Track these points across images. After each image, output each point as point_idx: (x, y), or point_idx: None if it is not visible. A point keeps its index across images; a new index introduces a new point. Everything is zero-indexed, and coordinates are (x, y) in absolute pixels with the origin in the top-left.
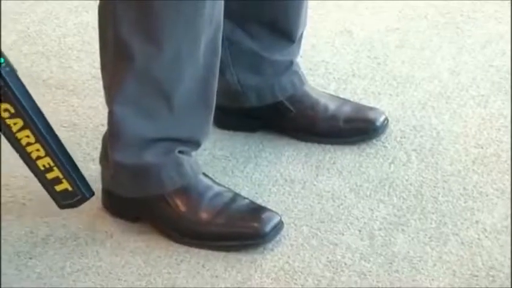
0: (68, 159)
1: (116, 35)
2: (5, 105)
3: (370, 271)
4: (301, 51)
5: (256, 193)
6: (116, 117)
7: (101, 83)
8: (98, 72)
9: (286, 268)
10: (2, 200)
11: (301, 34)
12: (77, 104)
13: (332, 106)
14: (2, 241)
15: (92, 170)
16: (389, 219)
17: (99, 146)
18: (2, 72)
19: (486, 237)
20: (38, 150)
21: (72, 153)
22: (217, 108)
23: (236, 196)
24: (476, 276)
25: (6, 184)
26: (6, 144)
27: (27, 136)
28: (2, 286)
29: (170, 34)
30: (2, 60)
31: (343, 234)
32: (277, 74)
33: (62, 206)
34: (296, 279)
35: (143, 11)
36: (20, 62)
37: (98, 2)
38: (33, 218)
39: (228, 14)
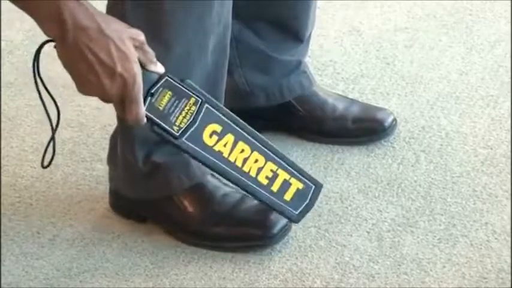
0: (282, 155)
1: None
2: (210, 128)
3: (378, 273)
4: (309, 51)
5: None
6: None
7: None
8: None
9: (294, 270)
10: (9, 201)
11: (310, 34)
12: (83, 103)
13: (340, 106)
14: (9, 242)
15: (99, 170)
16: (397, 221)
17: (107, 146)
18: (198, 88)
19: (495, 239)
20: (256, 161)
21: (79, 154)
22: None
23: (243, 197)
24: (486, 278)
25: (13, 184)
26: (9, 144)
27: (242, 151)
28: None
29: (179, 34)
30: (189, 80)
31: (351, 236)
32: (285, 74)
33: (297, 218)
34: (304, 281)
35: (152, 11)
36: (27, 62)
37: (107, 1)
38: (40, 219)
39: (237, 14)
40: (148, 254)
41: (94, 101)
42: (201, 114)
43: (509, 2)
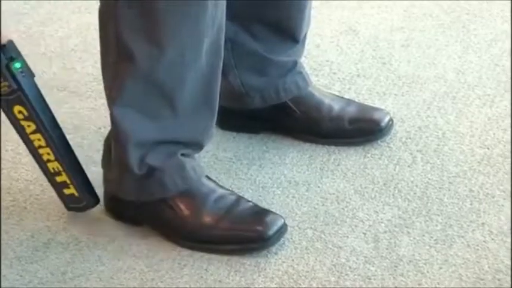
0: (76, 166)
1: (118, 37)
2: (19, 108)
3: (375, 275)
4: (305, 51)
5: (260, 195)
6: (118, 119)
7: (103, 84)
8: (100, 74)
9: (290, 272)
10: (3, 204)
11: (305, 34)
12: (78, 105)
13: (336, 107)
14: (4, 246)
15: (94, 172)
16: (394, 222)
17: (101, 149)
18: (18, 76)
19: (492, 239)
20: (48, 153)
21: None
22: (221, 109)
23: (240, 199)
24: (483, 279)
25: (7, 188)
26: (4, 147)
27: (39, 139)
28: None
29: (172, 36)
30: (19, 65)
31: (347, 237)
32: (281, 75)
33: (69, 208)
34: (300, 284)
35: (145, 12)
36: None
37: (99, 5)
38: (35, 222)
39: (231, 16)
40: (144, 257)
41: (89, 103)
42: (13, 96)
43: (505, 2)
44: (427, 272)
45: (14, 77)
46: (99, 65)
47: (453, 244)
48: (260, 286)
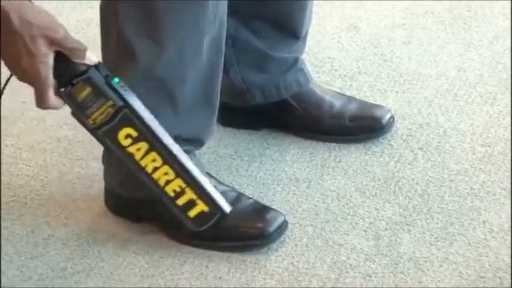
0: (196, 173)
1: (119, 35)
2: (126, 131)
3: (375, 272)
4: (306, 48)
5: (261, 192)
6: None
7: None
8: None
9: (290, 269)
10: (4, 200)
11: (307, 31)
12: None
13: (337, 104)
14: (4, 241)
15: (94, 169)
16: (395, 219)
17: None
18: (121, 91)
19: (493, 237)
20: (166, 173)
21: (74, 152)
22: (222, 106)
23: (240, 196)
24: (483, 277)
25: (7, 183)
26: (4, 143)
27: (153, 160)
28: (3, 287)
29: (173, 33)
30: (117, 79)
31: (348, 235)
32: (282, 71)
33: (195, 233)
34: (300, 281)
35: (146, 10)
36: None
37: (100, 1)
38: (35, 218)
39: (232, 12)
40: (144, 253)
41: None
42: (117, 118)
43: None
44: (428, 269)
45: (116, 91)
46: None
47: (454, 242)
48: (260, 283)
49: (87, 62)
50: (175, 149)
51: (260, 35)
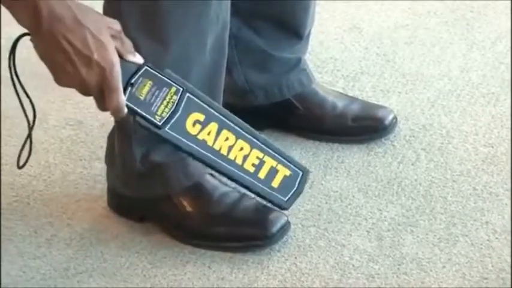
0: (268, 141)
1: None
2: (194, 116)
3: (378, 273)
4: (309, 48)
5: None
6: None
7: None
8: None
9: (293, 270)
10: (7, 200)
11: (309, 31)
12: (82, 101)
13: (340, 104)
14: (6, 241)
15: (97, 169)
16: (397, 220)
17: (105, 145)
18: (178, 78)
19: (496, 238)
20: (241, 149)
21: (77, 152)
22: (224, 106)
23: (243, 196)
24: (486, 278)
25: (10, 183)
26: (6, 143)
27: (226, 139)
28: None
29: (176, 33)
30: (167, 70)
31: (351, 235)
32: (284, 71)
33: (287, 204)
34: (303, 281)
35: (149, 10)
36: (26, 59)
37: (103, 1)
38: (38, 218)
39: (235, 12)
40: (147, 253)
41: (93, 99)
42: (183, 103)
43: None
44: (431, 270)
45: (174, 78)
46: None
47: (457, 243)
48: (263, 283)
49: (136, 59)
50: (241, 121)
51: (263, 35)
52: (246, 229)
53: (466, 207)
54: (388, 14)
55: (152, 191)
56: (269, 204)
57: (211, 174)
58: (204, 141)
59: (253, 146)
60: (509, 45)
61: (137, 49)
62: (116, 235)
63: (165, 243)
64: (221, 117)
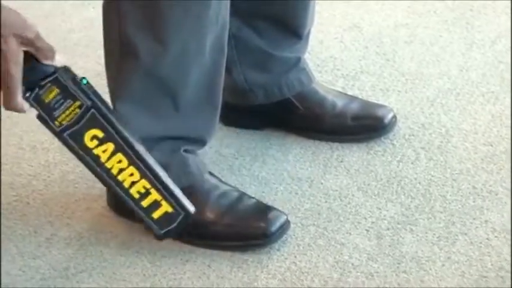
0: (160, 173)
1: (121, 33)
2: (92, 132)
3: (377, 272)
4: (308, 47)
5: (263, 192)
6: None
7: (106, 80)
8: (103, 69)
9: (292, 269)
10: (6, 200)
11: (309, 30)
12: None
13: (340, 103)
14: (6, 241)
15: None
16: (397, 219)
17: None
18: (88, 91)
19: (495, 237)
20: (131, 174)
21: None
22: (224, 105)
23: (242, 195)
24: (486, 277)
25: (10, 183)
26: (7, 142)
27: (119, 161)
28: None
29: (176, 32)
30: (85, 81)
31: (350, 234)
32: (284, 71)
33: (161, 237)
34: (302, 280)
35: (148, 9)
36: None
37: (102, 0)
38: (37, 218)
39: (235, 12)
40: (146, 253)
41: None
42: (85, 119)
43: None
44: (430, 269)
45: (84, 92)
46: (102, 60)
47: (456, 241)
48: (263, 282)
49: (56, 64)
50: (141, 150)
51: (262, 34)
52: (245, 228)
53: (466, 205)
54: (387, 13)
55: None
56: (269, 203)
57: (211, 173)
58: (98, 157)
59: (142, 176)
60: (509, 44)
61: (136, 49)
62: (116, 234)
63: (164, 243)
64: (119, 140)
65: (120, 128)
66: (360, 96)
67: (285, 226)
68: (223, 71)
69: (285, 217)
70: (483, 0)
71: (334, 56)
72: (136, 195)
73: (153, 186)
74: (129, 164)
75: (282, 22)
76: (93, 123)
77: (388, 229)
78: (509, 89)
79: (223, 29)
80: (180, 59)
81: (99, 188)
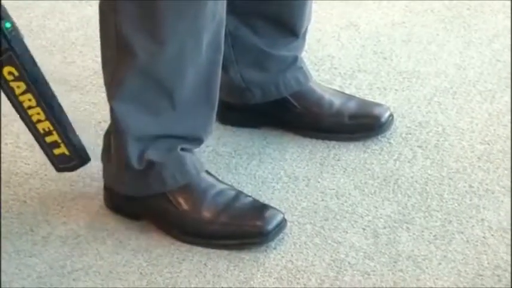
0: (67, 124)
1: (118, 32)
2: (9, 68)
3: (374, 270)
4: (306, 46)
5: (260, 190)
6: (117, 114)
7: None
8: (101, 68)
9: (289, 267)
10: (3, 198)
11: (306, 29)
12: (79, 99)
13: (337, 102)
14: (2, 239)
15: (94, 167)
16: (394, 217)
17: (101, 143)
18: (8, 35)
19: (492, 235)
20: (38, 113)
21: None
22: (221, 104)
23: (239, 194)
24: (482, 275)
25: (7, 181)
26: (3, 141)
27: (29, 100)
28: (2, 286)
29: (173, 31)
30: (9, 25)
31: (347, 233)
32: (281, 70)
33: (59, 169)
34: (299, 279)
35: (145, 8)
36: None
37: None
38: (34, 216)
39: (232, 10)
40: (143, 251)
41: (90, 97)
42: (3, 56)
43: None
44: (426, 267)
45: (4, 36)
46: (99, 59)
47: (452, 240)
48: (259, 281)
49: None
50: (49, 96)
51: (259, 33)
52: (242, 227)
53: (462, 204)
54: (385, 11)
55: (148, 190)
56: (266, 202)
57: (208, 172)
58: (13, 89)
59: (47, 118)
60: (506, 43)
61: (132, 48)
62: (112, 233)
63: (161, 241)
64: (30, 83)
65: (31, 72)
66: (357, 95)
67: (281, 225)
68: (220, 70)
69: (282, 216)
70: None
71: (331, 54)
72: (42, 131)
73: (54, 128)
74: (37, 105)
75: (279, 21)
76: (9, 62)
77: (384, 228)
78: (506, 88)
79: (220, 27)
80: (177, 58)
81: (96, 187)
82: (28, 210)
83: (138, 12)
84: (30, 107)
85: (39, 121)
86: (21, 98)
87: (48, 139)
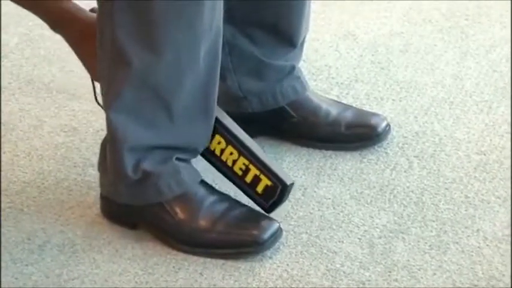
0: (257, 150)
1: (114, 42)
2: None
3: (369, 280)
4: (303, 56)
5: None
6: (113, 124)
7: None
8: None
9: (284, 276)
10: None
11: (304, 39)
12: (77, 108)
13: (334, 112)
14: None
15: (91, 175)
16: (389, 227)
17: (99, 152)
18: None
19: (487, 245)
20: (231, 153)
21: (72, 159)
22: None
23: (235, 203)
24: (476, 285)
25: (4, 189)
26: (4, 150)
27: (219, 142)
28: None
29: (169, 40)
30: None
31: (342, 242)
32: (279, 79)
33: (269, 210)
34: None
35: (141, 17)
36: (21, 66)
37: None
38: (31, 225)
39: (230, 19)
40: (139, 260)
41: (88, 105)
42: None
43: (504, 8)
44: (421, 277)
45: None
46: None
47: (448, 250)
48: None
49: None
50: (234, 128)
51: (257, 42)
52: (237, 236)
53: (458, 214)
54: (383, 21)
55: (144, 199)
56: (261, 211)
57: (203, 181)
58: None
59: (240, 153)
60: (503, 53)
61: (129, 58)
62: (109, 242)
63: (157, 250)
64: (217, 124)
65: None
66: (354, 105)
67: (277, 234)
68: (218, 79)
69: (278, 225)
70: (478, 10)
71: (329, 64)
72: (240, 173)
73: (250, 161)
74: (227, 144)
75: (277, 30)
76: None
77: (380, 237)
78: (503, 98)
79: (217, 36)
80: (174, 67)
81: (93, 196)
82: (25, 218)
83: (134, 22)
84: (222, 151)
85: (234, 162)
86: (212, 146)
87: (248, 177)
